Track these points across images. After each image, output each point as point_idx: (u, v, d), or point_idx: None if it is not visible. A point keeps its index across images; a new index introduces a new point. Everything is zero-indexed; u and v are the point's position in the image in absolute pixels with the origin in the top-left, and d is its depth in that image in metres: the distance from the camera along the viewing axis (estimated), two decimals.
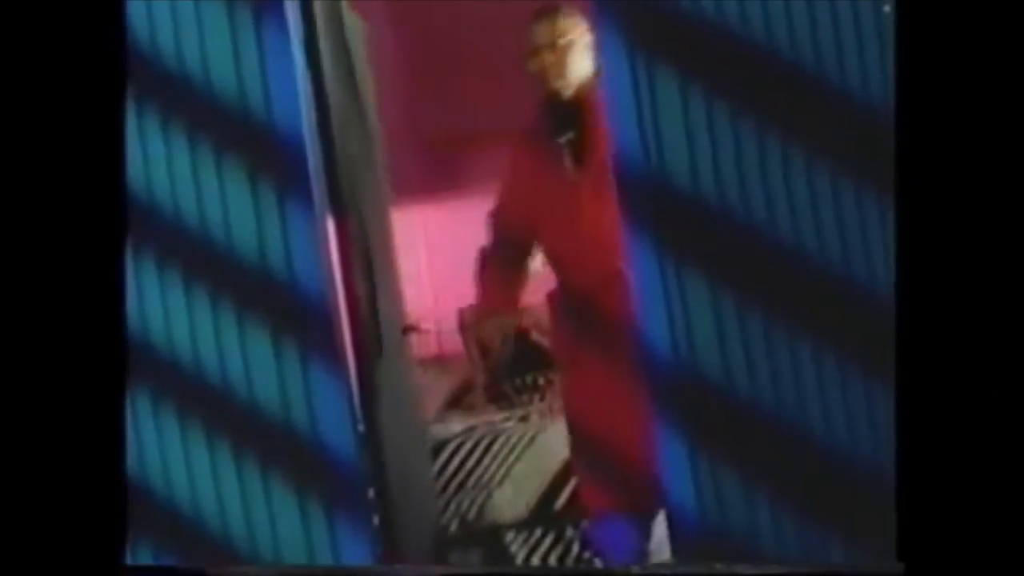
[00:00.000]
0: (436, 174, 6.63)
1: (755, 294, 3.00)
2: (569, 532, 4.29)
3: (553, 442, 4.44)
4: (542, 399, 5.50)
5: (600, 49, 3.11)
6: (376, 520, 3.23)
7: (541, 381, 5.63)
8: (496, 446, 4.58)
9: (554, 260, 3.57)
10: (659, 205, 3.03)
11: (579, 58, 3.49)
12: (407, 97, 6.23)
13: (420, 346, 6.29)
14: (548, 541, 4.31)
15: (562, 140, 3.50)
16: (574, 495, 4.19)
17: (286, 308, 3.15)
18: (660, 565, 3.57)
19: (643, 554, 3.59)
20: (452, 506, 4.45)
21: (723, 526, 2.92)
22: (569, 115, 3.52)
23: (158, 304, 3.20)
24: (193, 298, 3.21)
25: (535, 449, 4.47)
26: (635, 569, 3.61)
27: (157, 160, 3.20)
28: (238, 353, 3.17)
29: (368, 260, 3.28)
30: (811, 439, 2.91)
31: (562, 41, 3.47)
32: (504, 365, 5.64)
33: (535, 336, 5.77)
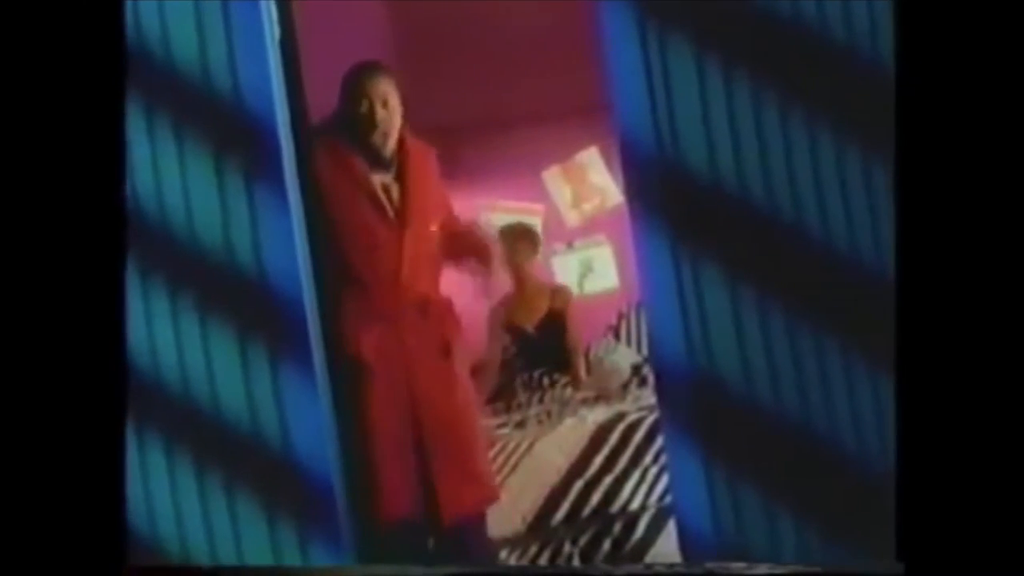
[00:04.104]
0: None
1: (777, 289, 2.87)
2: (567, 547, 4.07)
3: (550, 452, 4.21)
4: (540, 401, 5.31)
5: (607, 15, 2.96)
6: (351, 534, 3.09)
7: (546, 381, 5.46)
8: (491, 454, 4.32)
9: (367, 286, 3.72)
10: (672, 190, 2.89)
11: (399, 117, 3.78)
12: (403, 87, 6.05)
13: None
14: (546, 557, 4.08)
15: (376, 178, 3.76)
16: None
17: (254, 307, 2.98)
18: (661, 565, 3.53)
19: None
20: None
21: (722, 527, 2.86)
22: (386, 162, 3.79)
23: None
24: (152, 297, 3.01)
25: (532, 458, 4.25)
26: (636, 569, 3.59)
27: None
28: (201, 356, 2.99)
29: None
30: (811, 439, 2.83)
31: (392, 101, 3.74)
32: (531, 352, 5.50)
33: (565, 322, 5.59)
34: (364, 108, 3.70)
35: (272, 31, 3.06)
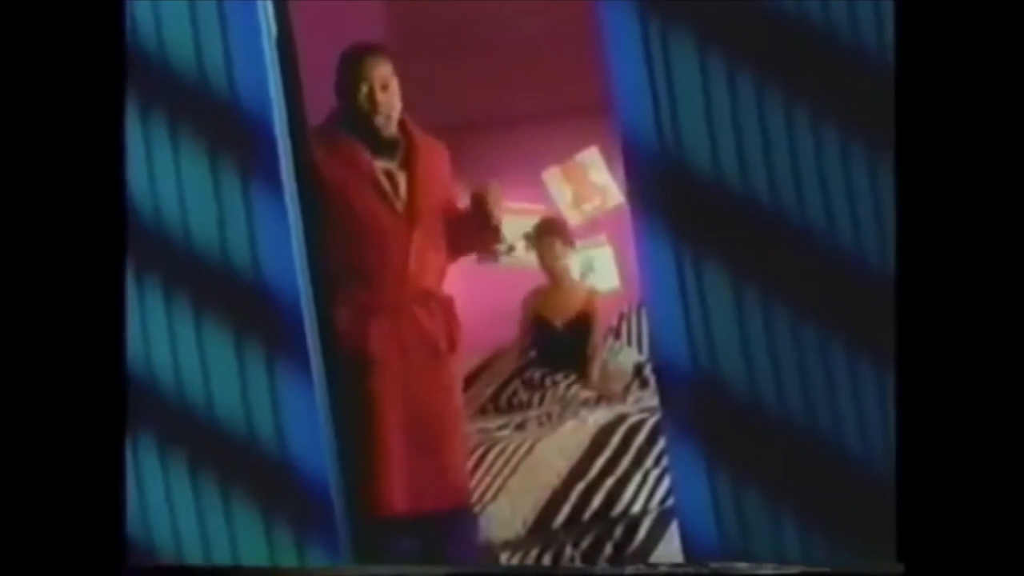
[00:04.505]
0: None
1: (781, 289, 2.82)
2: (568, 551, 4.02)
3: (551, 454, 4.16)
4: (541, 403, 5.26)
5: (608, 12, 2.91)
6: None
7: (548, 382, 5.40)
8: (491, 456, 4.32)
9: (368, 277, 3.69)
10: (674, 189, 2.83)
11: (398, 100, 3.73)
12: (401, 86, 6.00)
13: None
14: (546, 560, 4.04)
15: (379, 164, 3.72)
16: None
17: (250, 307, 2.94)
18: (663, 565, 3.57)
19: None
20: None
21: (725, 529, 2.84)
22: (389, 147, 3.74)
23: None
24: (147, 297, 2.96)
25: (532, 460, 4.21)
26: (636, 569, 3.60)
27: None
28: (196, 357, 2.95)
29: None
30: (815, 441, 2.80)
31: (391, 84, 3.70)
32: (551, 348, 5.46)
33: (592, 326, 5.56)
34: (364, 92, 3.65)
35: (269, 29, 3.01)
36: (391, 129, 3.70)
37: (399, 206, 3.68)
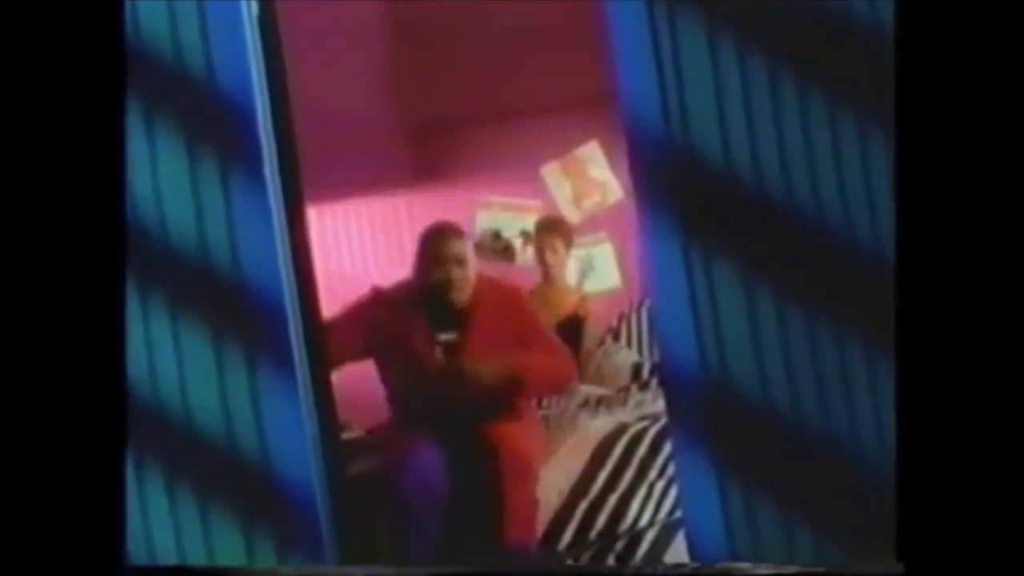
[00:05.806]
0: (420, 160, 6.46)
1: (795, 288, 2.77)
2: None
3: (552, 474, 4.07)
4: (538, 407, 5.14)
5: None
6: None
7: None
8: None
9: None
10: (681, 180, 2.79)
11: (473, 273, 4.15)
12: (390, 82, 6.04)
13: None
14: None
15: (441, 338, 4.10)
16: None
17: (230, 306, 2.89)
18: (659, 565, 3.60)
19: None
20: None
21: (735, 537, 2.82)
22: (455, 319, 4.12)
23: None
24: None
25: None
26: (643, 569, 3.64)
27: None
28: (173, 360, 2.90)
29: None
30: (828, 443, 2.78)
31: (468, 260, 4.11)
32: None
33: (583, 331, 5.55)
34: (443, 272, 4.04)
35: (249, 8, 2.91)
36: (465, 299, 4.08)
37: (442, 367, 4.01)
